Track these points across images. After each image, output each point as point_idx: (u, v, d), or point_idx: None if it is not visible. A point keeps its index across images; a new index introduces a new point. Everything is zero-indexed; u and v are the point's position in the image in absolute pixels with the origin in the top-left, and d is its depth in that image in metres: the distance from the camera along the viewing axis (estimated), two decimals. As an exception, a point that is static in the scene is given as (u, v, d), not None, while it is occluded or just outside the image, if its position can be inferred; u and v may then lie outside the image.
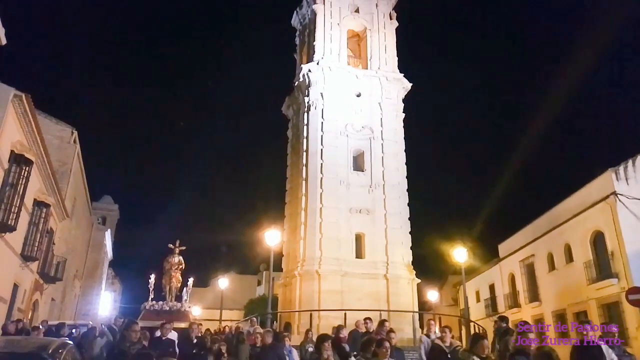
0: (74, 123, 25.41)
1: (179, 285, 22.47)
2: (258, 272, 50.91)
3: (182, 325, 14.42)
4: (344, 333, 9.90)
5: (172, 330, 10.62)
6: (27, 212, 17.12)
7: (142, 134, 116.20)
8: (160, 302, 21.24)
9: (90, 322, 16.53)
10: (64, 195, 23.17)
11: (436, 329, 9.91)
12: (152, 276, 22.24)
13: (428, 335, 9.34)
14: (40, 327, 13.00)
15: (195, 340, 9.76)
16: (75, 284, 33.18)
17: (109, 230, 43.75)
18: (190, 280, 23.79)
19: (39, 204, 18.18)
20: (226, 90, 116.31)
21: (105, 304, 45.47)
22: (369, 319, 10.37)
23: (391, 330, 8.71)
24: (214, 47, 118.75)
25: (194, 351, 9.26)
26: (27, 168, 15.30)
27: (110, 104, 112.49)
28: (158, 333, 9.33)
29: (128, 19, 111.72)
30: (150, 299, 21.51)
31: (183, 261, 22.67)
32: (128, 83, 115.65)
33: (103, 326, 13.27)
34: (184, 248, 22.86)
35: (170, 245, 22.73)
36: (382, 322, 9.41)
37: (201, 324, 12.04)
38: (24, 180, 15.17)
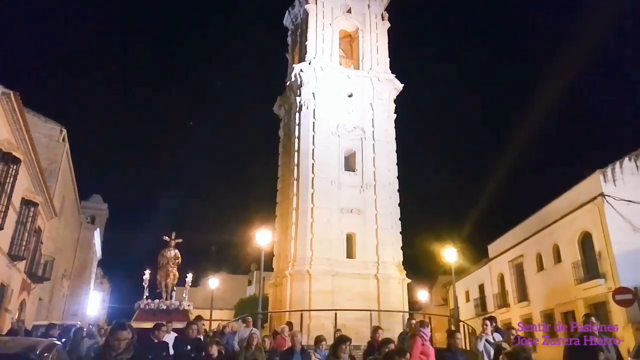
0: (63, 121, 25.14)
1: (176, 281, 20.44)
2: (249, 272, 50.73)
3: (182, 325, 13.14)
4: (381, 334, 9.23)
5: (172, 331, 10.14)
6: (15, 211, 16.92)
7: (133, 133, 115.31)
8: (157, 301, 19.36)
9: (79, 323, 16.35)
10: (53, 194, 22.89)
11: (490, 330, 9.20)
12: (147, 272, 20.17)
13: (481, 337, 8.91)
14: (15, 327, 12.64)
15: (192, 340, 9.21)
16: (63, 284, 32.84)
17: (98, 229, 43.34)
18: (189, 276, 21.80)
19: (26, 202, 17.98)
20: (217, 89, 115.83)
21: (93, 304, 45.06)
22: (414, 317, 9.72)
23: (455, 331, 8.24)
24: (205, 46, 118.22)
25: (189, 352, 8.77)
26: (15, 166, 15.15)
27: (100, 102, 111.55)
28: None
29: (119, 19, 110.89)
30: (145, 297, 19.54)
31: (179, 255, 20.52)
32: (118, 82, 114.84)
33: (91, 327, 13.13)
34: (180, 241, 20.73)
35: (166, 238, 20.56)
36: (421, 323, 8.61)
37: (204, 323, 10.82)
38: (12, 178, 15.01)
